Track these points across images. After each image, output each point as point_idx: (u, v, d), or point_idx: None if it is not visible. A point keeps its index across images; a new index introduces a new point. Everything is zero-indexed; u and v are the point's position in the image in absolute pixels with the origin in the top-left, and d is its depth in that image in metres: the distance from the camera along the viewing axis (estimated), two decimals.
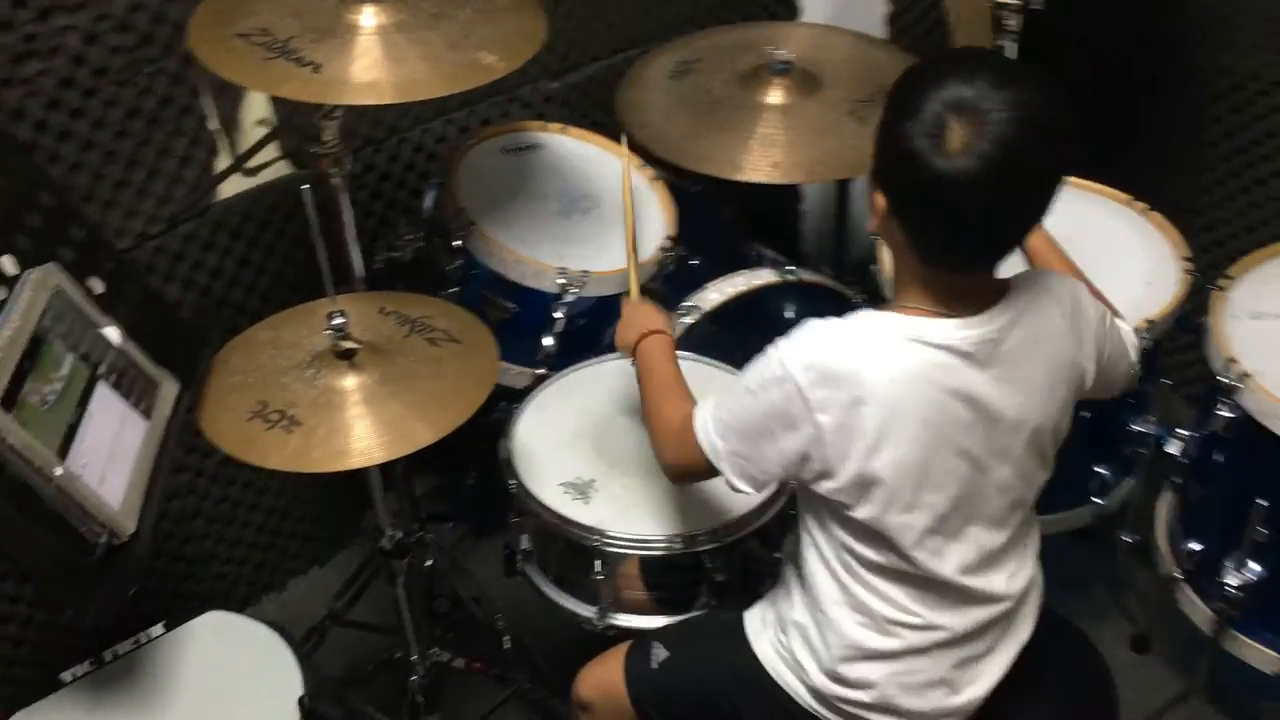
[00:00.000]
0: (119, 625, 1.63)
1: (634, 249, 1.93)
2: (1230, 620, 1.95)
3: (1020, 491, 1.47)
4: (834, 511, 1.45)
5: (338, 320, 1.57)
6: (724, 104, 2.21)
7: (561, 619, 2.34)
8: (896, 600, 1.47)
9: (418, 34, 1.64)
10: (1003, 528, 1.48)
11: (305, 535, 2.60)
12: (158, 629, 1.65)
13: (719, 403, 1.50)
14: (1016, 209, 1.32)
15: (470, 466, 2.59)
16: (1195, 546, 2.03)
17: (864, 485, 1.39)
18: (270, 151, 2.21)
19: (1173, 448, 2.05)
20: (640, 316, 1.77)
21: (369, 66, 1.59)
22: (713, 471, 1.50)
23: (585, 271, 2.00)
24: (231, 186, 2.20)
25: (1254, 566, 1.89)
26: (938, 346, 1.35)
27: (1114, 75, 2.45)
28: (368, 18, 1.65)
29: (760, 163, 2.09)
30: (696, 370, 2.05)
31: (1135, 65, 2.52)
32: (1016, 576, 1.52)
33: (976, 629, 1.49)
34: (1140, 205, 2.17)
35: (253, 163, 2.21)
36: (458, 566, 2.32)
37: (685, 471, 1.59)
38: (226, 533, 2.41)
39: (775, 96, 2.21)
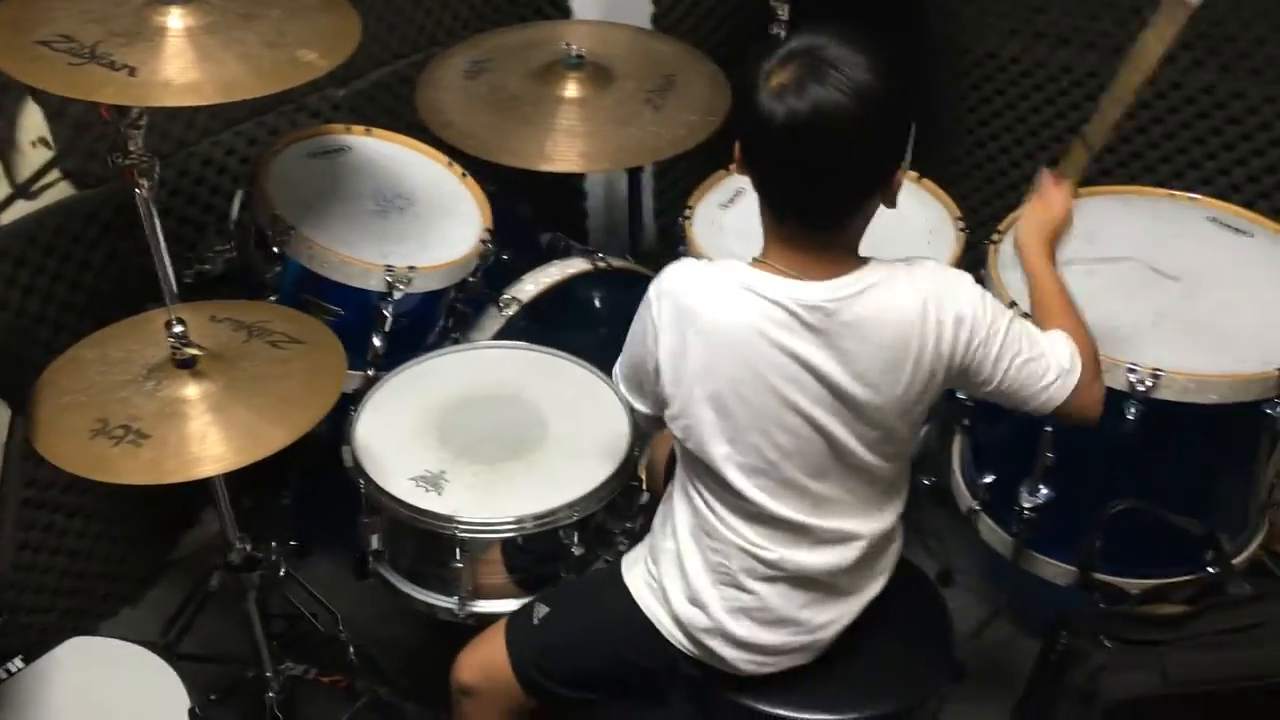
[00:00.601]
0: None
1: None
2: (1027, 541, 2.15)
3: (861, 457, 1.53)
4: (680, 442, 1.56)
5: (178, 328, 1.53)
6: (523, 100, 2.27)
7: (405, 622, 2.34)
8: (742, 533, 1.56)
9: (230, 34, 1.62)
10: (845, 482, 1.56)
11: (113, 575, 2.48)
12: (17, 662, 1.55)
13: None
14: (830, 159, 1.38)
15: (284, 485, 2.53)
16: (989, 479, 2.22)
17: (689, 415, 1.51)
18: (50, 173, 2.11)
19: (961, 393, 2.25)
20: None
21: (185, 68, 1.55)
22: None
23: (412, 268, 2.01)
24: (10, 212, 2.08)
25: (1044, 490, 2.10)
26: (769, 300, 1.44)
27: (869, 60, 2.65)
28: (174, 20, 1.61)
29: (568, 153, 2.17)
30: (526, 358, 2.09)
31: (886, 50, 2.72)
32: (866, 525, 1.60)
33: (827, 571, 1.59)
34: (913, 173, 2.36)
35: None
36: (289, 582, 2.27)
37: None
38: (28, 580, 2.27)
39: (572, 90, 2.29)
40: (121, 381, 1.57)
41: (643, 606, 1.66)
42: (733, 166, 1.48)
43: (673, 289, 1.50)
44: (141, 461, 1.46)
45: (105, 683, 1.58)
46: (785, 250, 1.47)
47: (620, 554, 1.87)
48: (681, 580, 1.62)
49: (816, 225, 1.46)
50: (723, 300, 1.47)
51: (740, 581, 1.58)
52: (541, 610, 1.72)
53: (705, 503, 1.58)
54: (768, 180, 1.46)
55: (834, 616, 1.63)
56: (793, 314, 1.44)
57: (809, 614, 1.61)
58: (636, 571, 1.70)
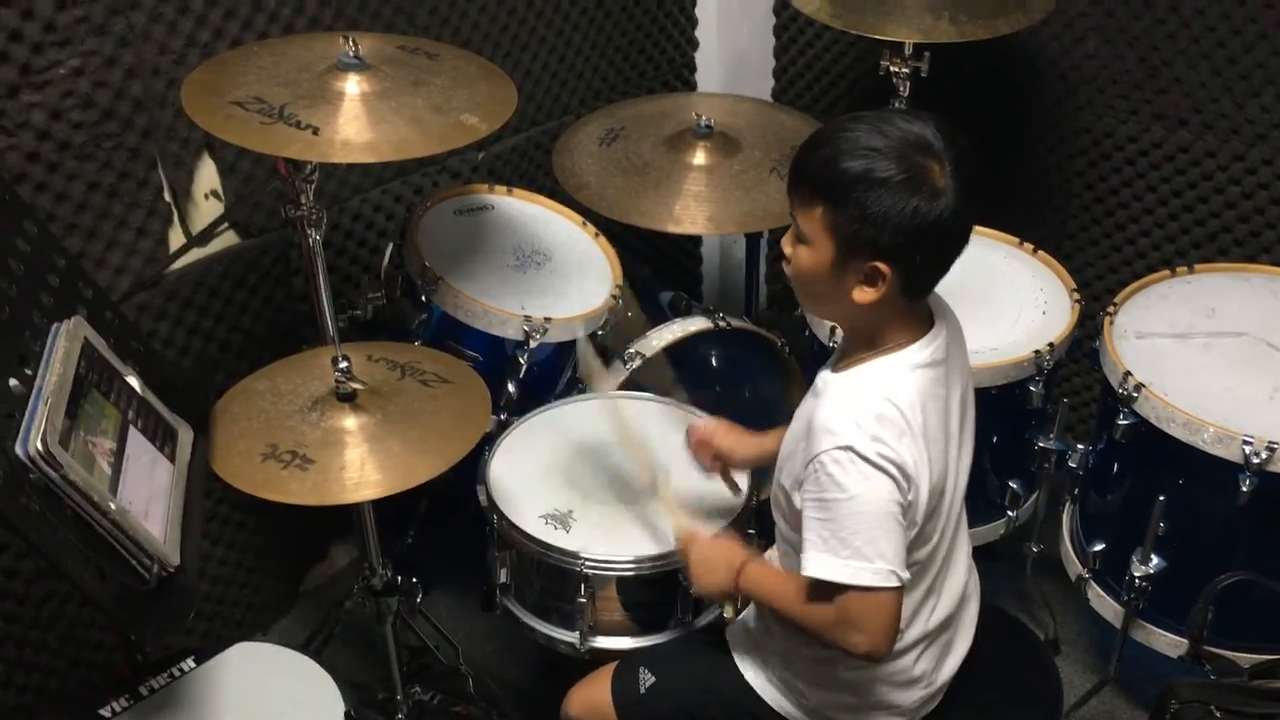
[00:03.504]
0: (150, 663, 1.66)
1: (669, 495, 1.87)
2: (1137, 610, 2.17)
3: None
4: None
5: (344, 364, 1.67)
6: (654, 166, 2.40)
7: (517, 660, 2.44)
8: None
9: (401, 99, 1.77)
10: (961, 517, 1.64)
11: (248, 603, 2.62)
12: (189, 662, 1.69)
13: (827, 545, 1.44)
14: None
15: (408, 526, 2.66)
16: (1099, 547, 2.25)
17: (936, 495, 1.50)
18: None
19: (1074, 461, 2.29)
20: (719, 555, 1.68)
21: (362, 129, 1.71)
22: (895, 597, 1.46)
23: (548, 319, 2.14)
24: (183, 257, 2.26)
25: (1155, 559, 2.12)
26: (929, 365, 1.50)
27: (989, 135, 2.74)
28: (352, 86, 1.77)
29: (696, 216, 2.28)
30: (652, 409, 2.20)
31: (1005, 125, 2.81)
32: (965, 563, 1.69)
33: (945, 620, 1.65)
34: (1029, 246, 2.44)
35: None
36: (414, 615, 2.39)
37: (878, 624, 1.46)
38: None
39: (700, 158, 2.41)
40: (289, 411, 1.71)
41: (769, 702, 1.69)
42: (866, 291, 1.44)
43: (877, 432, 1.42)
44: (307, 484, 1.59)
45: (268, 685, 1.70)
46: (901, 324, 1.50)
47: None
48: (810, 673, 1.65)
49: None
50: (908, 390, 1.47)
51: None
52: (648, 678, 1.76)
53: None
54: (937, 269, 1.48)
55: (950, 663, 1.69)
56: (941, 361, 1.52)
57: (929, 665, 1.65)
58: (754, 668, 1.71)
